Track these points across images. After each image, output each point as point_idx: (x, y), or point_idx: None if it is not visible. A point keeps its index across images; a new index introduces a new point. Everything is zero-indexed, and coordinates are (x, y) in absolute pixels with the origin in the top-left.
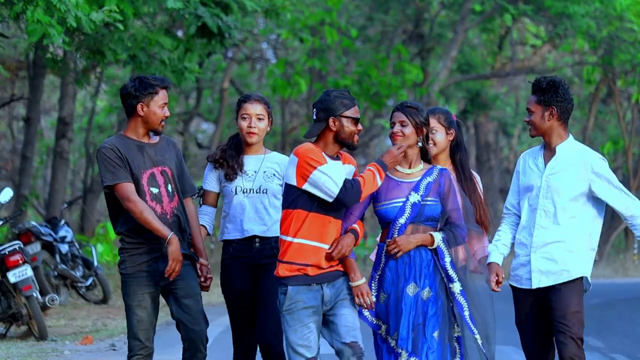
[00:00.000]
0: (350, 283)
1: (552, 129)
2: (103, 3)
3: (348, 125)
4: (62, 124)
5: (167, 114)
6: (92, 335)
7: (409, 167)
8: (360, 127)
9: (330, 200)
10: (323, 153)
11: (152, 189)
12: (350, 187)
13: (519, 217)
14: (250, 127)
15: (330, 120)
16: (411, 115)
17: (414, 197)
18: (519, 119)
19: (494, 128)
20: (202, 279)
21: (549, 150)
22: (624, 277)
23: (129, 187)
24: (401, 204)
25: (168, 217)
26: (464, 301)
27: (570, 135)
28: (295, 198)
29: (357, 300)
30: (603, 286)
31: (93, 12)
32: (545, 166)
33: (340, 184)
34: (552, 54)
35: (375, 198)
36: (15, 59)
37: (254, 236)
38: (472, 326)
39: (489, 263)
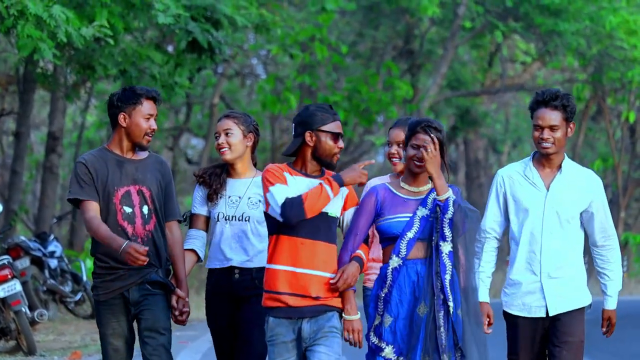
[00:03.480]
0: (344, 315)
1: (565, 146)
2: (93, 18)
3: (326, 141)
4: (51, 138)
5: (153, 126)
6: (81, 350)
7: (417, 186)
8: (341, 144)
9: (281, 220)
10: (300, 170)
11: (125, 207)
12: (290, 203)
13: (499, 240)
14: (219, 143)
15: (307, 134)
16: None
17: (422, 212)
18: (508, 136)
19: (483, 145)
20: (177, 313)
21: (547, 168)
22: None
23: (91, 205)
24: (408, 218)
25: (139, 240)
26: (449, 264)
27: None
28: (270, 223)
29: (346, 334)
30: (591, 304)
31: (83, 27)
32: (545, 185)
33: (282, 202)
34: (542, 71)
35: (377, 214)
36: (5, 73)
37: (233, 267)
38: (448, 292)
39: (480, 303)
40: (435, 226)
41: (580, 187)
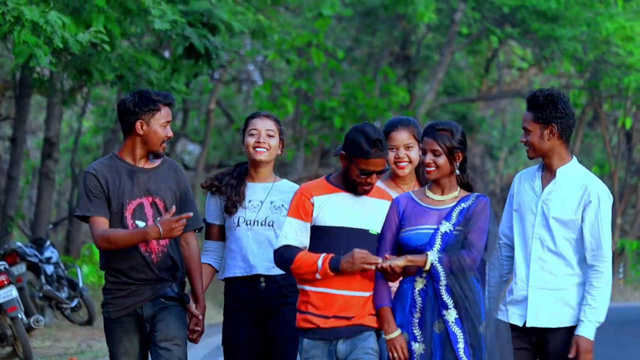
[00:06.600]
0: (384, 336)
1: (553, 150)
2: (90, 24)
3: (354, 169)
4: (48, 144)
5: (170, 134)
6: (77, 356)
7: (442, 194)
8: (373, 179)
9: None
10: (340, 185)
11: (137, 222)
12: (281, 255)
13: (512, 247)
14: (259, 142)
15: (340, 154)
16: (444, 142)
17: (445, 226)
18: (505, 142)
19: (480, 151)
20: (188, 331)
21: (548, 172)
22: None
23: (99, 221)
24: (432, 231)
25: (153, 256)
26: (459, 331)
27: (574, 158)
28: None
29: (391, 355)
30: None
31: (80, 33)
32: (542, 189)
33: (282, 244)
34: (539, 77)
35: (400, 225)
36: (1, 78)
37: (259, 275)
38: None
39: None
40: (434, 295)
41: (575, 192)
